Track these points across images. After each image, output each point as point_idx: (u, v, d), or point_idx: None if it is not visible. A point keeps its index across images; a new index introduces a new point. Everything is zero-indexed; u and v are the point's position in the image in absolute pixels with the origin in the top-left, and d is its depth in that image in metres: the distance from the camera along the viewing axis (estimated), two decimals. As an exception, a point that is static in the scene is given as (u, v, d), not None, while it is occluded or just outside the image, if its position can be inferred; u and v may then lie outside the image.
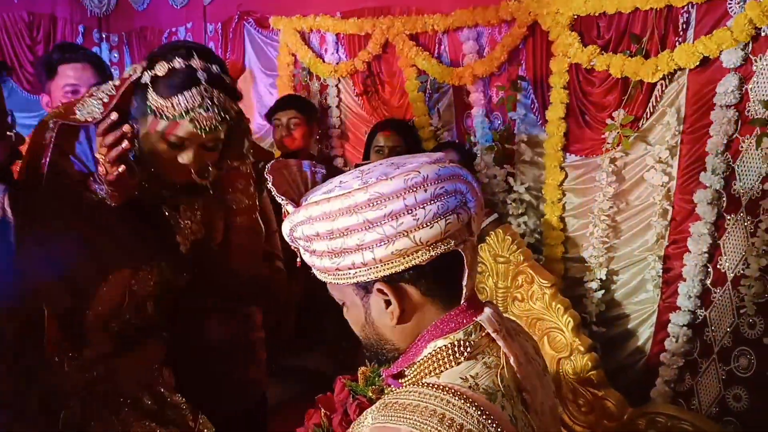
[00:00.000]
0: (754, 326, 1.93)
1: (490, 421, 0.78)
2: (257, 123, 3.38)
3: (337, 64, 3.08)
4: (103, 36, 4.25)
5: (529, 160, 2.49)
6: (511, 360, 0.85)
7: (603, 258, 2.28)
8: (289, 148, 2.83)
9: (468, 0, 2.51)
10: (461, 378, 0.83)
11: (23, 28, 4.01)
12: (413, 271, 0.84)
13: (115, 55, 4.24)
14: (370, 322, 0.90)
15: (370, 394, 1.08)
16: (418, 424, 0.77)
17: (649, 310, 2.22)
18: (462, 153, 2.56)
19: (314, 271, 0.91)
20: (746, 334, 1.95)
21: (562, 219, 2.39)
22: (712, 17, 1.91)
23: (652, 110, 2.08)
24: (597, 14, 2.13)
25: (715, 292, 2.02)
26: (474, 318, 0.87)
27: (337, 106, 3.20)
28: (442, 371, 0.85)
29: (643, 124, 2.11)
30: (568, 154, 2.33)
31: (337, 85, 3.16)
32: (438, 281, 0.86)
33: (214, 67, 1.28)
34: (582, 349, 2.00)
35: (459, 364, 0.85)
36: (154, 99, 1.25)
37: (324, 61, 3.14)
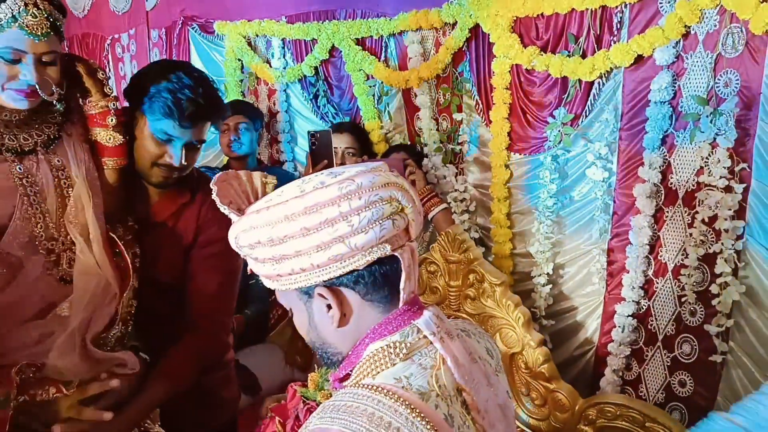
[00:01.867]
0: (695, 314, 2.00)
1: (419, 419, 0.80)
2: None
3: (285, 68, 3.07)
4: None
5: (476, 160, 2.51)
6: (448, 361, 0.87)
7: (549, 253, 2.32)
8: (237, 153, 2.84)
9: (412, 3, 2.52)
10: (395, 378, 0.86)
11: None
12: (351, 275, 0.87)
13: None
14: (314, 326, 0.93)
15: (320, 399, 1.10)
16: (349, 423, 0.80)
17: (595, 302, 2.27)
18: (412, 154, 2.58)
19: (261, 278, 0.93)
20: (688, 321, 2.02)
21: (509, 216, 2.42)
22: (644, 16, 1.96)
23: (590, 108, 2.13)
24: (535, 15, 2.16)
25: (658, 282, 2.08)
26: (412, 320, 0.90)
27: (287, 111, 3.18)
28: (378, 372, 0.87)
29: (582, 121, 2.16)
30: (512, 153, 2.36)
31: (285, 90, 3.14)
32: (376, 285, 0.89)
33: None
34: (533, 344, 2.05)
35: (395, 365, 0.87)
36: None
37: (271, 66, 3.13)
